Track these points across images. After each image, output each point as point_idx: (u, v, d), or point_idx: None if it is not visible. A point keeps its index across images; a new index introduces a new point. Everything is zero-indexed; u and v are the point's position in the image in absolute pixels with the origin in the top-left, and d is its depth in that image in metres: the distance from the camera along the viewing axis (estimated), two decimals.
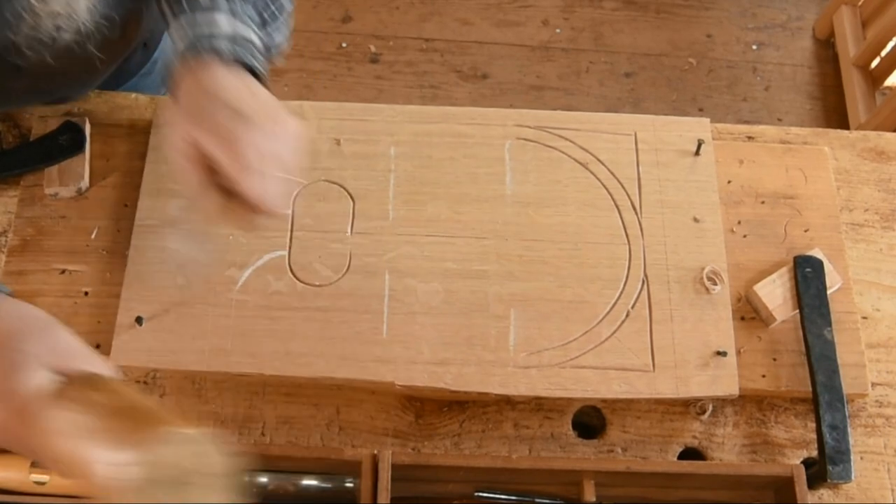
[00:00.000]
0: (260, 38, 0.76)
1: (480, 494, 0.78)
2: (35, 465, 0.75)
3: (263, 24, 0.78)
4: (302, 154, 0.75)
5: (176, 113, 0.72)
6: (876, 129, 1.78)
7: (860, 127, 1.94)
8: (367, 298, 0.82)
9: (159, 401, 0.82)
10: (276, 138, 0.71)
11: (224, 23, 0.73)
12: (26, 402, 0.55)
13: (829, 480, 0.77)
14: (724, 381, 0.80)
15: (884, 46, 1.97)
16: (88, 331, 0.82)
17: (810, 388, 0.80)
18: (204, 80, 0.71)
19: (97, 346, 0.81)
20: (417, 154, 0.89)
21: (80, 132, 0.89)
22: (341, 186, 0.87)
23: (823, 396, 0.79)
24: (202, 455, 0.56)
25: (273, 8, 0.79)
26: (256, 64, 0.74)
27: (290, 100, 0.90)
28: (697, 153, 0.89)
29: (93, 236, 0.86)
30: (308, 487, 0.76)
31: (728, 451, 0.82)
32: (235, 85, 0.72)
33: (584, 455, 0.82)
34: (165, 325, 0.80)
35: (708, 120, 0.92)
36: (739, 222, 0.89)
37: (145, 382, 0.83)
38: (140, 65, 1.04)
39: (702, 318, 0.82)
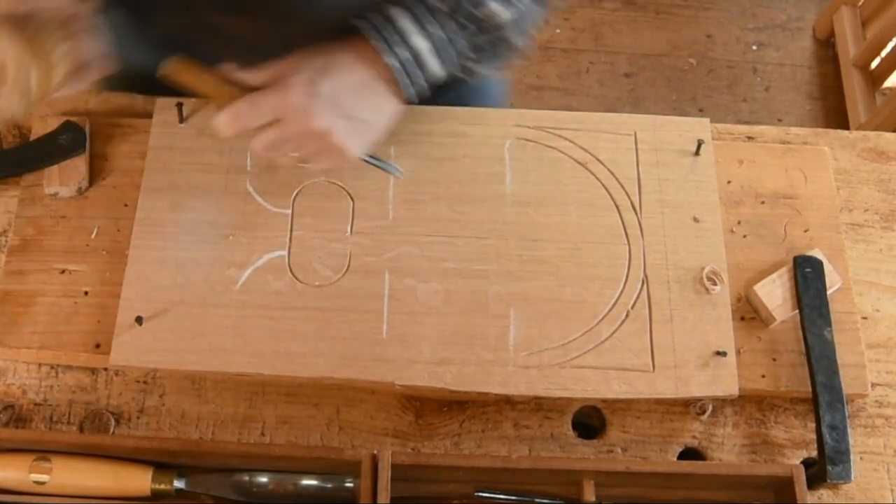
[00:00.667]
0: (440, 68, 0.76)
1: (480, 494, 0.78)
2: (35, 464, 0.75)
3: (476, 51, 0.78)
4: (329, 166, 0.80)
5: (305, 51, 0.75)
6: (876, 129, 1.78)
7: (860, 127, 1.93)
8: (367, 298, 0.82)
9: None
10: (320, 135, 0.74)
11: (415, 41, 0.74)
12: None
13: (828, 480, 0.77)
14: (724, 381, 0.80)
15: (884, 47, 1.97)
16: (88, 331, 0.82)
17: (810, 389, 0.80)
18: (343, 52, 0.74)
19: (97, 346, 0.81)
20: (417, 154, 0.89)
21: (80, 132, 0.89)
22: (341, 186, 0.87)
23: (823, 396, 0.79)
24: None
25: (491, 43, 0.77)
26: (406, 86, 0.76)
27: None
28: (697, 153, 0.89)
29: (93, 236, 0.86)
30: (308, 487, 0.76)
31: (728, 452, 0.82)
32: (354, 76, 0.74)
33: (583, 455, 0.82)
34: (165, 325, 0.80)
35: (708, 120, 0.92)
36: (739, 222, 0.89)
37: (145, 382, 0.83)
38: None
39: (702, 318, 0.82)
